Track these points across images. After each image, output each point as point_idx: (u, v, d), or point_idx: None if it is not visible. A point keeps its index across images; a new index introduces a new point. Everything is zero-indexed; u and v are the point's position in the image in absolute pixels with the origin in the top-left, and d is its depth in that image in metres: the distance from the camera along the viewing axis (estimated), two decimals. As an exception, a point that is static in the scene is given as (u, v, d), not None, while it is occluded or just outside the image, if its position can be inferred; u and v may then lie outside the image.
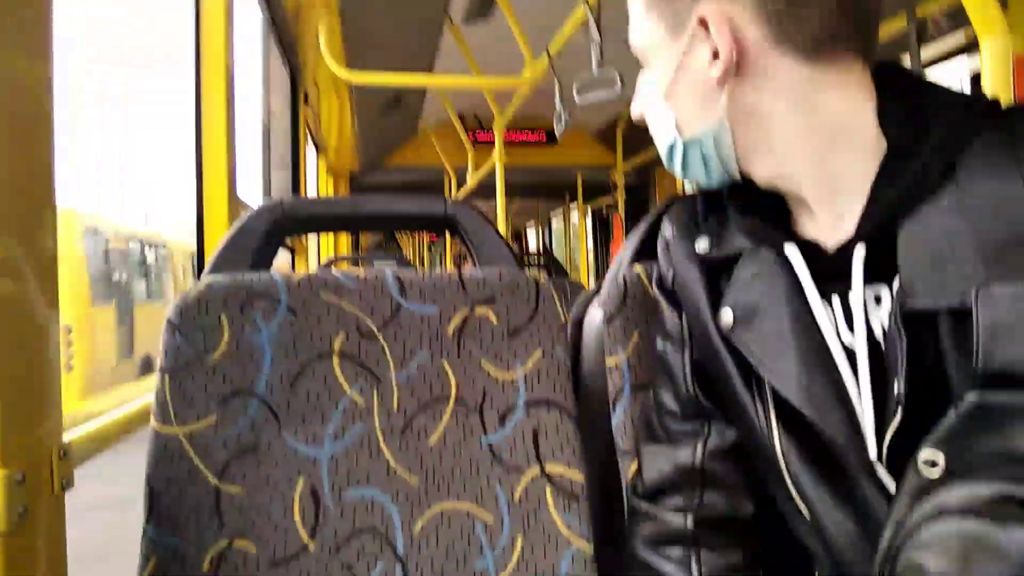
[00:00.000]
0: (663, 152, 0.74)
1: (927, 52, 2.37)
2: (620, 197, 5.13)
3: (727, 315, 0.69)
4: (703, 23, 0.64)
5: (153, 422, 0.80)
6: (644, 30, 0.71)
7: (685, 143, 0.71)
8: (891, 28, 2.34)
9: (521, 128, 5.37)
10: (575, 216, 7.33)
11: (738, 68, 0.64)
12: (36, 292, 0.76)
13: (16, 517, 0.63)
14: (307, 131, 3.92)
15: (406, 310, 0.88)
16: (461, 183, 5.18)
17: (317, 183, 4.91)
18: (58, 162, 0.79)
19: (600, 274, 7.11)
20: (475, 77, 3.44)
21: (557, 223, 10.28)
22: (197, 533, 0.77)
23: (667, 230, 0.80)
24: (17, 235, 0.72)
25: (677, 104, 0.70)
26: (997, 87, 0.98)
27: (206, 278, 0.86)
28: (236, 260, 0.91)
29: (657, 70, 0.72)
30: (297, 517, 0.81)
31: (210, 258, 0.91)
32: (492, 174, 3.78)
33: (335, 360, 0.85)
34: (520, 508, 0.85)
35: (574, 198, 6.89)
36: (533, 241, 11.96)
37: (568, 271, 8.98)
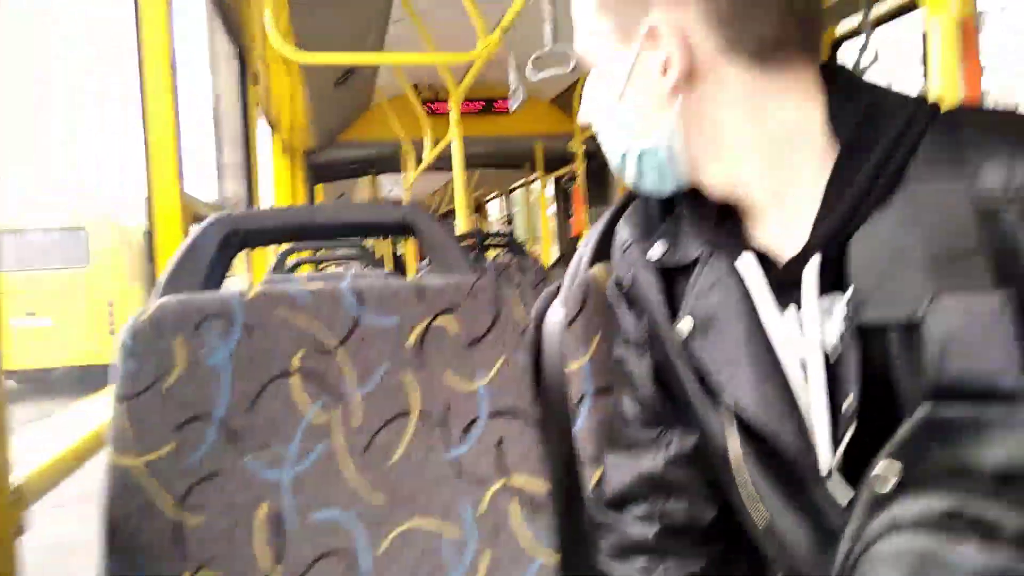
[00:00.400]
0: (614, 161, 0.73)
1: (877, 9, 2.37)
2: (579, 167, 5.11)
3: (683, 325, 0.69)
4: (653, 32, 0.64)
5: (109, 452, 0.78)
6: (592, 36, 0.70)
7: (638, 153, 0.70)
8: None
9: (477, 98, 5.30)
10: (537, 186, 7.30)
11: (689, 77, 0.64)
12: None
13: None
14: (258, 110, 3.83)
15: (365, 323, 0.86)
16: (419, 156, 5.11)
17: (272, 162, 4.81)
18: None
19: (562, 245, 7.13)
20: (427, 54, 3.38)
21: (518, 194, 10.24)
22: (159, 566, 0.76)
23: (623, 233, 0.80)
24: None
25: (628, 113, 0.69)
26: (944, 65, 0.98)
27: (158, 300, 0.83)
28: (188, 278, 0.88)
29: (606, 77, 0.70)
30: (261, 543, 0.80)
31: (161, 278, 0.88)
32: (450, 146, 3.74)
33: (294, 378, 0.84)
34: (486, 522, 0.85)
35: (535, 168, 6.87)
36: (495, 213, 11.92)
37: (531, 241, 8.98)
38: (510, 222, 11.18)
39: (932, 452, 0.53)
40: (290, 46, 2.83)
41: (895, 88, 0.65)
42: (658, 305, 0.73)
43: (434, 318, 0.88)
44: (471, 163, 6.94)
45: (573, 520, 0.88)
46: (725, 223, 0.70)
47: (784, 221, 0.66)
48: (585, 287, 0.89)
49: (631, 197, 0.83)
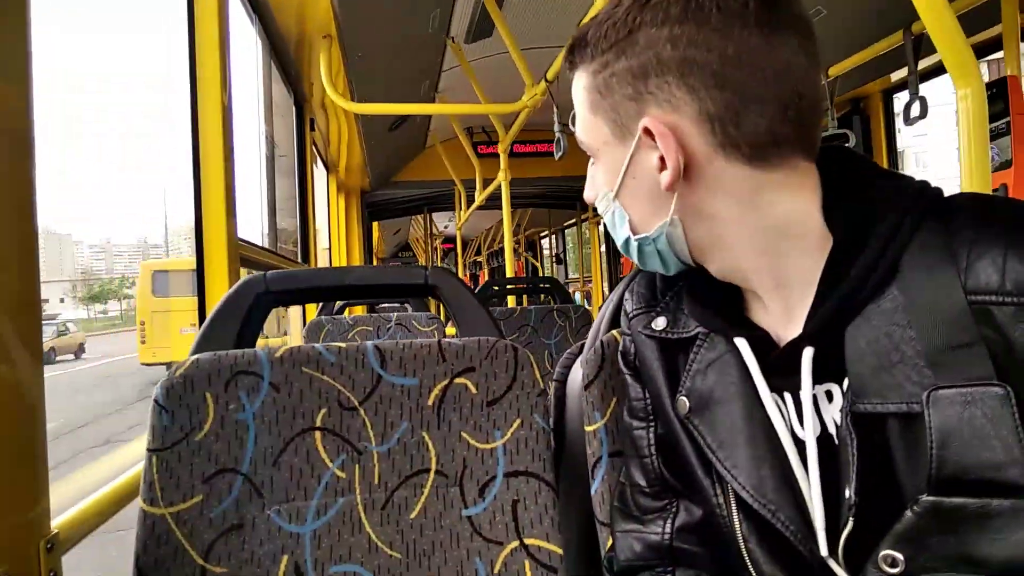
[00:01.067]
0: (619, 244, 0.75)
1: (924, 64, 2.36)
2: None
3: (683, 401, 0.70)
4: (648, 132, 0.65)
5: (141, 502, 0.82)
6: (590, 130, 0.72)
7: (639, 240, 0.71)
8: (888, 43, 2.32)
9: (528, 141, 5.38)
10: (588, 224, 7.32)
11: (686, 173, 0.65)
12: (24, 373, 0.78)
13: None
14: (315, 152, 3.96)
15: (386, 382, 0.89)
16: (471, 195, 5.20)
17: (328, 201, 4.95)
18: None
19: (613, 284, 7.11)
20: (477, 105, 3.47)
21: (571, 232, 10.28)
22: None
23: (628, 304, 0.81)
24: (6, 316, 0.73)
25: (628, 204, 0.71)
26: (973, 138, 0.98)
27: (191, 357, 0.87)
28: (222, 336, 0.93)
29: (606, 169, 0.72)
30: None
31: (196, 336, 0.93)
32: (500, 188, 3.81)
33: (317, 434, 0.87)
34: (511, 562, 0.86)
35: (585, 208, 6.89)
36: (547, 250, 12.00)
37: (582, 280, 8.99)
38: (560, 261, 11.22)
39: (936, 539, 0.53)
40: (346, 98, 2.93)
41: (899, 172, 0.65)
42: (660, 377, 0.74)
43: (453, 378, 0.90)
44: (521, 203, 7.01)
45: None
46: (724, 303, 0.71)
47: (782, 307, 0.66)
48: (602, 352, 0.90)
49: (637, 273, 0.85)
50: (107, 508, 0.96)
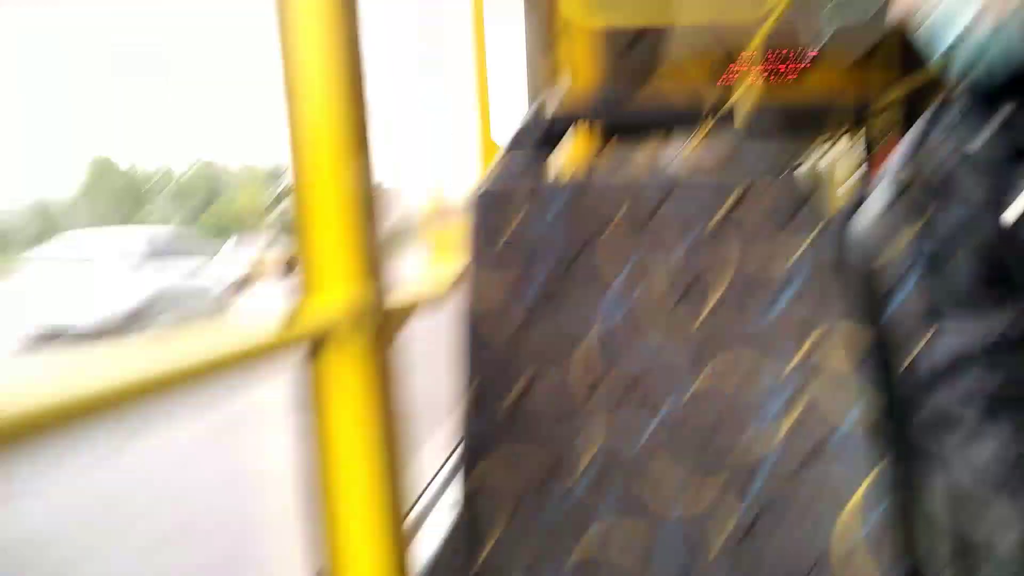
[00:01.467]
0: (941, 49, 0.71)
1: None
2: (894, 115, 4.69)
3: (1013, 213, 0.67)
4: None
5: (461, 299, 0.95)
6: None
7: (982, 32, 0.67)
8: None
9: (772, 60, 5.07)
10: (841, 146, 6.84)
11: None
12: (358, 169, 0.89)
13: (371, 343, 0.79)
14: (559, 71, 4.07)
15: (670, 204, 0.94)
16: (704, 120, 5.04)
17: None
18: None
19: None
20: (713, 15, 3.34)
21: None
22: (507, 365, 0.92)
23: (936, 131, 0.78)
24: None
25: None
26: None
27: (492, 174, 0.98)
28: (528, 140, 1.01)
29: None
30: (594, 355, 0.92)
31: (507, 138, 1.02)
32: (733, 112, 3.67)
33: (605, 249, 0.94)
34: (805, 364, 0.89)
35: (836, 127, 6.40)
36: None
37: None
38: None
39: None
40: (584, 11, 2.98)
41: None
42: (979, 195, 0.71)
43: (744, 194, 0.93)
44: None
45: (886, 400, 0.88)
46: None
47: None
48: (904, 179, 0.88)
49: (944, 101, 0.81)
50: (426, 299, 1.11)
